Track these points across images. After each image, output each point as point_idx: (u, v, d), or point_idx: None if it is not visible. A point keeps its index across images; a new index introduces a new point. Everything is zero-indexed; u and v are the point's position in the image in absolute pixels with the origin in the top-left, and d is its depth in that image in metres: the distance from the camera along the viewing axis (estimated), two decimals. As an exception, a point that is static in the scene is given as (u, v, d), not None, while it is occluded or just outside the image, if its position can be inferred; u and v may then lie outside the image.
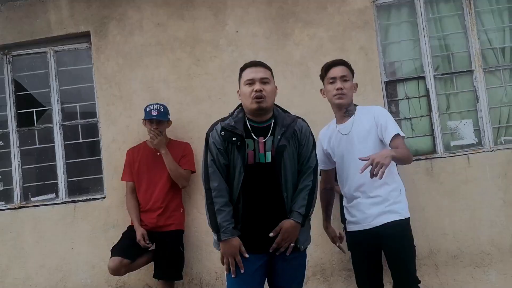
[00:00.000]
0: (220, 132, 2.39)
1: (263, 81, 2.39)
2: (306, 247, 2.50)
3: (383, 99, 3.84)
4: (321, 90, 2.84)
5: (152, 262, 3.58)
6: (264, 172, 2.37)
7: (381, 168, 2.29)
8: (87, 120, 4.09)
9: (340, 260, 3.74)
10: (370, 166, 2.33)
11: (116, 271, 3.39)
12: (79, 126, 4.09)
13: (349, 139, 2.68)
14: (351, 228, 2.75)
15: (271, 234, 2.34)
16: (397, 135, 2.59)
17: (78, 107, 4.11)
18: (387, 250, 2.61)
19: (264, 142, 2.38)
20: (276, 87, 2.51)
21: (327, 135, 2.83)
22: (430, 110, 3.86)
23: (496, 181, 3.70)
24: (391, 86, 3.93)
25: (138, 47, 3.98)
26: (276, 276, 2.45)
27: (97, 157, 4.03)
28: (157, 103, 3.63)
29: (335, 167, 2.87)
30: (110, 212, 3.91)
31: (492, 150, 3.76)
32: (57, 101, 4.07)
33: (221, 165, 2.38)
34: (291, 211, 2.40)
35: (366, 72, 3.82)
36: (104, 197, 3.95)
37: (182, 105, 3.93)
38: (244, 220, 2.36)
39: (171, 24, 3.98)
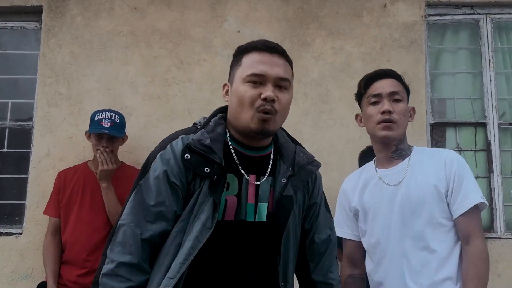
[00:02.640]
0: (183, 153, 1.29)
1: (280, 84, 1.33)
2: None
3: (426, 146, 2.79)
4: (356, 115, 1.86)
5: None
6: (250, 240, 1.31)
7: None
8: (19, 123, 3.00)
9: None
10: None
11: None
12: (7, 129, 3.00)
13: (399, 193, 1.67)
14: None
15: None
16: (475, 207, 1.62)
17: (10, 104, 3.03)
18: None
19: (258, 185, 1.35)
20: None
21: (357, 186, 1.81)
22: (490, 170, 2.83)
23: None
24: (438, 131, 2.91)
25: (103, 34, 2.97)
26: None
27: (22, 176, 2.91)
28: (110, 111, 2.58)
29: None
30: (25, 256, 2.78)
31: None
32: (-17, 92, 3.00)
33: (160, 221, 1.26)
34: None
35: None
36: (21, 233, 2.82)
37: (151, 118, 2.89)
38: None
39: (152, 10, 2.99)
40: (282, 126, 1.43)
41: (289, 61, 1.39)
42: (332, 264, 1.48)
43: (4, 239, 2.81)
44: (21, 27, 3.10)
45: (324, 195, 1.53)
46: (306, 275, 1.46)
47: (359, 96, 1.82)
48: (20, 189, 2.92)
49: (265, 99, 1.28)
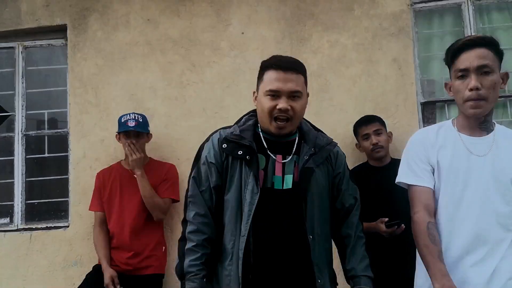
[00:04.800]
0: (221, 143, 1.75)
1: (293, 95, 1.70)
2: None
3: (418, 124, 3.09)
4: (445, 84, 1.83)
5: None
6: (279, 203, 1.71)
7: None
8: (56, 130, 3.39)
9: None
10: None
11: None
12: (46, 137, 3.39)
13: (484, 166, 1.70)
14: None
15: None
16: None
17: (46, 114, 3.42)
18: None
19: (284, 162, 1.74)
20: (307, 95, 1.83)
21: (437, 142, 1.79)
22: (477, 141, 3.09)
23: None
24: (428, 109, 3.19)
25: (123, 46, 3.30)
26: None
27: (64, 176, 3.31)
28: (133, 113, 2.95)
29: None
30: (73, 245, 3.18)
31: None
32: (22, 106, 3.38)
33: (209, 188, 1.76)
34: (354, 276, 1.76)
35: (399, 89, 3.11)
36: (68, 226, 3.21)
37: (171, 118, 3.22)
38: (251, 278, 1.67)
39: (164, 20, 3.30)
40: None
41: (302, 72, 1.76)
42: (357, 222, 1.84)
43: (54, 232, 3.21)
44: (48, 44, 3.45)
45: (348, 169, 1.90)
46: (337, 231, 1.84)
47: (448, 64, 1.77)
48: (62, 188, 3.30)
49: (280, 110, 1.68)
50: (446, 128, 1.82)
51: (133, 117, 2.87)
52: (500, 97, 3.12)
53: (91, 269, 2.93)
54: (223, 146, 1.74)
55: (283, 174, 1.73)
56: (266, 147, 1.74)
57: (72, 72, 3.32)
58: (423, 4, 3.25)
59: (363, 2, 3.22)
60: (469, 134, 1.76)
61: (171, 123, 3.22)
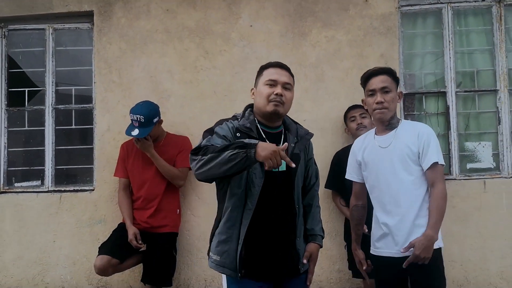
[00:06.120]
0: (235, 132, 2.12)
1: (286, 86, 2.17)
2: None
3: (399, 112, 3.60)
4: (362, 100, 2.56)
5: (140, 264, 3.34)
6: (277, 182, 2.12)
7: (426, 261, 2.26)
8: (82, 105, 3.82)
9: (339, 279, 3.51)
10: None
11: (103, 271, 3.13)
12: (73, 111, 3.82)
13: (387, 153, 2.42)
14: (378, 252, 2.47)
15: (304, 261, 2.18)
16: (436, 163, 2.34)
17: (73, 90, 3.84)
18: (415, 280, 2.37)
19: None
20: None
21: (363, 145, 2.57)
22: (448, 128, 3.64)
23: (512, 210, 3.48)
24: (409, 99, 3.70)
25: (144, 32, 3.71)
26: None
27: (89, 146, 3.77)
28: (136, 112, 3.19)
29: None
30: (98, 206, 3.65)
31: (511, 177, 3.54)
32: (52, 82, 3.79)
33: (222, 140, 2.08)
34: (312, 234, 2.27)
35: (385, 81, 3.59)
36: (93, 189, 3.69)
37: (186, 99, 3.67)
38: (256, 238, 2.08)
39: (181, 11, 3.71)
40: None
41: (291, 74, 2.24)
42: (316, 195, 2.36)
43: (80, 194, 3.68)
44: (76, 27, 3.84)
45: (312, 154, 2.35)
46: (303, 201, 2.33)
47: (363, 87, 2.50)
48: (87, 157, 3.75)
49: (276, 94, 2.11)
50: (370, 134, 2.58)
51: (136, 118, 3.17)
52: (469, 91, 3.66)
53: (114, 227, 3.41)
54: (237, 135, 2.10)
55: None
56: (264, 137, 2.15)
57: (98, 54, 3.73)
58: (409, 7, 3.72)
59: (357, 3, 3.66)
60: (380, 134, 2.48)
61: (185, 103, 3.66)
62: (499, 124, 3.61)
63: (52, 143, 3.75)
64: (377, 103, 2.39)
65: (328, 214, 3.51)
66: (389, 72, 2.45)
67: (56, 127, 3.78)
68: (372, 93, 2.42)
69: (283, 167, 2.07)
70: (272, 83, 2.14)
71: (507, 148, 3.57)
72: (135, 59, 3.70)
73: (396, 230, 2.36)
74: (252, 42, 3.66)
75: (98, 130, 3.70)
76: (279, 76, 2.16)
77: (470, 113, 3.70)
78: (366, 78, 2.47)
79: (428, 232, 2.28)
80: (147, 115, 3.20)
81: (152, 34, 3.71)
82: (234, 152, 1.86)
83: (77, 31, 3.87)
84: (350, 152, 2.64)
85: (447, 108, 3.64)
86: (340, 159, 3.29)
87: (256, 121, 2.19)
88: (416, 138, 2.38)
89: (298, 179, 2.19)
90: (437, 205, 2.32)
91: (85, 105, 3.81)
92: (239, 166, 1.88)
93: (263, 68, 2.24)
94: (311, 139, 2.34)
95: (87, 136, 3.80)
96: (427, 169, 2.35)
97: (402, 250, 2.30)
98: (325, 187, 3.34)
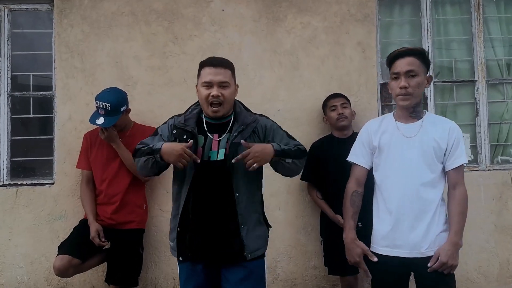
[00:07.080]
0: (171, 129, 2.27)
1: (222, 85, 2.20)
2: (259, 257, 2.24)
3: (377, 102, 3.49)
4: (388, 83, 2.39)
5: (104, 264, 3.13)
6: (214, 170, 2.19)
7: (452, 270, 2.19)
8: (41, 93, 3.55)
9: (314, 276, 3.37)
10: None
11: (63, 272, 2.92)
12: (31, 98, 3.55)
13: (412, 144, 2.23)
14: (384, 251, 2.28)
15: (239, 157, 2.10)
16: (462, 165, 2.25)
17: (31, 77, 3.56)
18: (421, 280, 2.25)
19: (219, 140, 2.22)
20: (237, 86, 2.32)
21: (380, 129, 2.34)
22: (424, 119, 3.52)
23: (490, 203, 3.42)
24: (386, 89, 3.57)
25: (108, 15, 3.47)
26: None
27: (48, 136, 3.50)
28: (102, 99, 2.99)
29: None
30: (58, 201, 3.40)
31: (488, 170, 3.48)
32: (8, 67, 3.50)
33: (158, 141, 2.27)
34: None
35: (362, 70, 3.48)
36: (53, 183, 3.43)
37: (154, 86, 3.46)
38: (193, 224, 2.19)
39: (149, -7, 3.49)
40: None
41: (229, 68, 2.24)
42: (294, 147, 2.26)
43: (39, 188, 3.42)
44: (34, 8, 3.56)
45: (277, 130, 2.30)
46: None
47: (388, 67, 2.33)
48: (46, 148, 3.49)
49: (212, 96, 2.16)
50: (388, 118, 2.37)
51: (102, 106, 2.97)
52: (447, 81, 3.58)
53: (75, 224, 3.19)
54: (173, 132, 2.23)
55: (218, 149, 2.19)
56: (206, 129, 2.23)
57: (59, 37, 3.47)
58: (387, -6, 3.61)
59: (334, -12, 3.53)
60: (404, 122, 2.29)
61: (153, 91, 3.45)
62: (477, 115, 3.54)
63: (7, 133, 3.47)
64: (400, 88, 2.21)
65: (303, 208, 3.36)
66: (418, 54, 2.24)
67: (12, 116, 3.50)
68: (396, 76, 2.24)
69: (220, 157, 2.17)
70: (208, 85, 2.19)
71: (484, 140, 3.51)
72: (99, 43, 3.46)
73: (408, 229, 2.20)
74: (223, 27, 3.48)
75: (59, 119, 3.45)
76: (214, 76, 2.18)
77: (448, 104, 3.61)
78: (392, 59, 2.28)
79: (453, 239, 2.18)
80: (114, 103, 2.99)
81: (117, 16, 3.47)
82: (145, 158, 2.16)
83: (36, 12, 3.58)
84: (361, 134, 2.42)
85: (425, 99, 3.54)
86: (316, 151, 3.15)
87: (203, 114, 2.27)
88: (446, 133, 2.23)
89: (240, 167, 2.15)
90: (461, 210, 2.22)
91: (44, 93, 3.54)
92: (158, 167, 2.19)
93: (200, 66, 2.27)
94: (273, 121, 2.35)
95: (46, 126, 3.53)
96: (452, 169, 2.23)
97: (430, 264, 2.16)
98: (300, 179, 3.19)
